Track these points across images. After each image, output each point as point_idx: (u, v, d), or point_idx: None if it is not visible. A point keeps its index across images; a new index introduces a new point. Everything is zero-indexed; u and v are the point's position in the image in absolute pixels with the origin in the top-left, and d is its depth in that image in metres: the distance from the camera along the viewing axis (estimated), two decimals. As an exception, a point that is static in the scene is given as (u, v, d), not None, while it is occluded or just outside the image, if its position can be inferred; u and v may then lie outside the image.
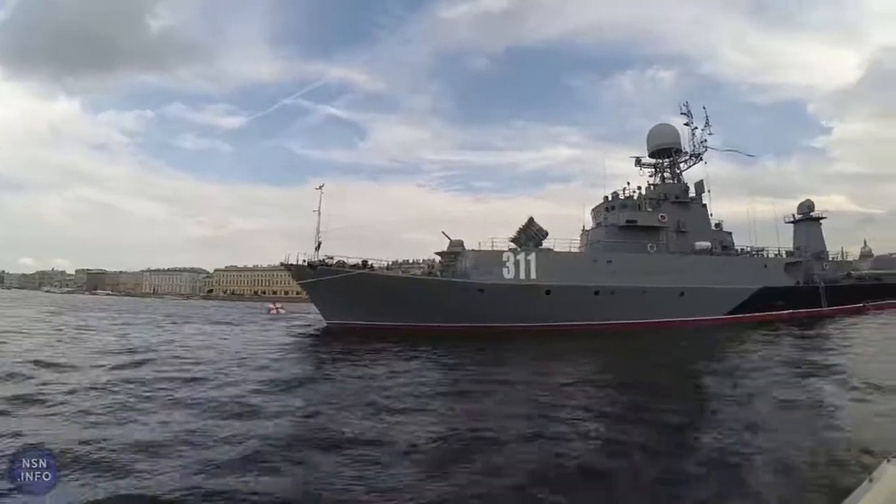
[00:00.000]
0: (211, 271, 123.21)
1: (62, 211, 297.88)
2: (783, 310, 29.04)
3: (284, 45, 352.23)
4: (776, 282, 29.39)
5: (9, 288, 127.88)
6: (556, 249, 28.02)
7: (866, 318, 27.02)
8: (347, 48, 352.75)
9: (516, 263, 26.62)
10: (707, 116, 32.76)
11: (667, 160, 32.29)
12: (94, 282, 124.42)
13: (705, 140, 32.51)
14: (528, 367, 14.84)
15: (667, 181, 32.21)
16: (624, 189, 30.54)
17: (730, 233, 31.32)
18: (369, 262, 27.57)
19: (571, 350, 18.81)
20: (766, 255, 31.16)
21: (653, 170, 32.81)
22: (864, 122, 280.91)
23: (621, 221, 28.79)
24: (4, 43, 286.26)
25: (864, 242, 41.18)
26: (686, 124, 32.99)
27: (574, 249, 29.50)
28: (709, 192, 32.11)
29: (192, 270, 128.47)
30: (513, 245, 27.57)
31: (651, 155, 32.91)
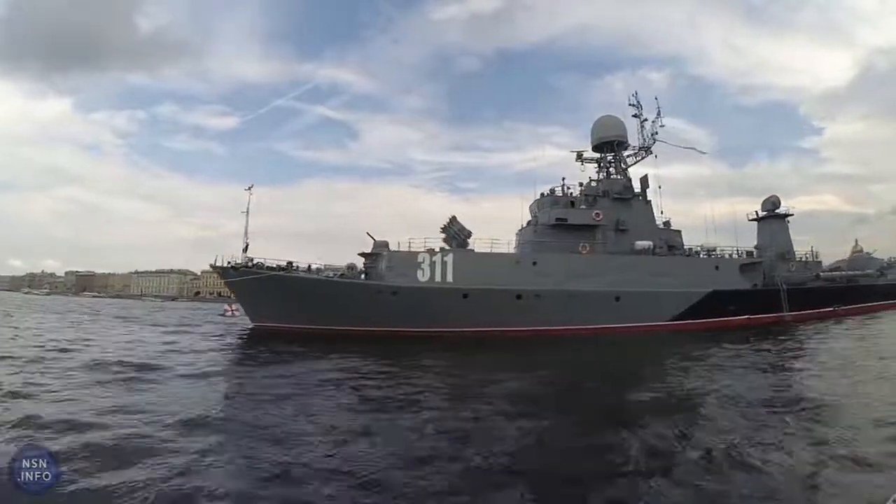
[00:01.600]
0: (199, 273, 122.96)
1: (52, 212, 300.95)
2: (738, 315, 26.03)
3: (275, 45, 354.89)
4: (729, 284, 26.39)
5: None
6: (479, 250, 25.67)
7: (834, 326, 23.73)
8: (339, 48, 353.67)
9: (432, 265, 24.46)
10: (659, 108, 30.02)
11: (610, 154, 29.55)
12: (83, 283, 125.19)
13: (656, 133, 29.74)
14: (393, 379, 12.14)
15: (612, 177, 29.47)
16: (562, 186, 27.91)
17: (678, 231, 28.40)
18: (294, 264, 26.23)
19: (463, 358, 16.39)
20: (718, 256, 28.06)
21: (597, 165, 30.06)
22: (856, 123, 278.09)
23: (551, 220, 26.19)
24: None
25: (856, 242, 37.93)
26: (635, 116, 30.31)
27: (512, 251, 27.14)
28: (659, 188, 29.35)
29: (179, 272, 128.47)
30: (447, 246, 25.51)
31: (595, 149, 30.19)
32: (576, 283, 24.23)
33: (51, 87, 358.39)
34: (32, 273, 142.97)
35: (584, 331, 23.65)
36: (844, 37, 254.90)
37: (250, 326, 26.99)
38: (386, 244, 25.83)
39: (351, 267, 26.70)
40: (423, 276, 24.40)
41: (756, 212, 32.01)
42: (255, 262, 25.85)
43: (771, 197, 31.20)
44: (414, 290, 23.96)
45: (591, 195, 27.14)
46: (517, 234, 29.21)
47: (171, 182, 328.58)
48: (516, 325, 23.58)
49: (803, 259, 30.61)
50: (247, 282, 25.60)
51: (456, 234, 25.99)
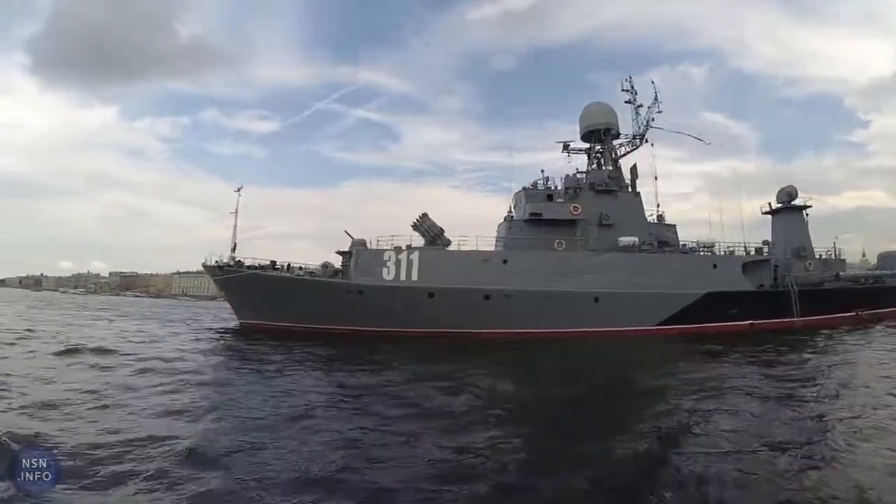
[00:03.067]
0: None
1: (99, 216, 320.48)
2: (740, 320, 23.34)
3: (313, 49, 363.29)
4: (729, 285, 23.69)
5: (33, 288, 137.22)
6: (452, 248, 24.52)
7: (855, 334, 20.38)
8: (375, 51, 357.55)
9: (397, 263, 23.64)
10: (656, 93, 27.55)
11: (598, 145, 27.46)
12: (126, 284, 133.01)
13: (652, 120, 27.36)
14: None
15: (604, 168, 27.40)
16: (546, 179, 26.20)
17: (672, 226, 25.89)
18: (277, 263, 26.40)
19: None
20: (717, 253, 25.30)
21: (587, 156, 28.06)
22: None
23: (525, 215, 24.58)
24: (39, 54, 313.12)
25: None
26: (628, 102, 28.01)
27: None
28: (655, 179, 27.04)
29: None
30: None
31: (584, 139, 28.17)
32: (549, 283, 22.56)
33: (95, 96, 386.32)
34: (79, 274, 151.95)
35: (559, 334, 21.94)
36: (887, 27, 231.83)
37: (235, 324, 27.38)
38: (363, 243, 25.27)
39: (325, 266, 26.42)
40: (388, 274, 23.62)
41: (769, 204, 28.71)
42: (237, 261, 26.31)
43: (786, 187, 27.83)
44: (379, 290, 23.22)
45: (573, 188, 25.27)
46: (497, 230, 27.75)
47: (212, 186, 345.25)
48: (485, 326, 22.27)
49: (822, 257, 27.08)
50: (229, 280, 26.32)
51: (426, 230, 24.98)
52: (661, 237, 24.91)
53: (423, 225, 25.02)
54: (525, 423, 8.17)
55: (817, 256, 26.89)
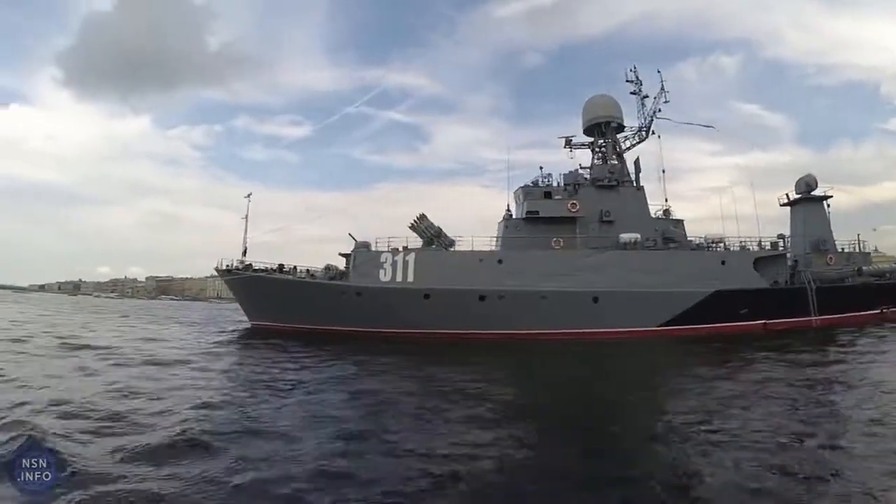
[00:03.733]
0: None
1: (136, 222, 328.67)
2: (751, 320, 22.15)
3: (341, 53, 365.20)
4: (739, 282, 22.49)
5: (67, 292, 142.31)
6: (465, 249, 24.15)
7: (881, 333, 18.87)
8: (403, 53, 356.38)
9: (394, 265, 23.55)
10: (662, 83, 26.37)
11: (602, 139, 26.47)
12: (162, 288, 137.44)
13: (659, 111, 26.17)
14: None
15: (609, 163, 26.41)
16: (548, 175, 25.48)
17: (678, 221, 24.73)
18: (286, 266, 26.88)
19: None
20: (725, 249, 24.01)
21: (590, 151, 27.11)
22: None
23: (522, 213, 23.97)
24: (71, 67, 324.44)
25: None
26: (633, 93, 26.89)
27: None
28: (663, 172, 25.91)
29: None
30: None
31: (587, 132, 27.20)
32: (546, 283, 21.96)
33: (128, 107, 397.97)
34: (116, 279, 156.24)
35: (557, 336, 21.36)
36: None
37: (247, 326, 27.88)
38: (367, 245, 25.24)
39: (328, 268, 26.63)
40: (384, 276, 23.56)
41: (787, 195, 27.03)
42: (245, 264, 26.84)
43: (805, 176, 26.10)
44: (376, 291, 23.21)
45: (572, 184, 24.46)
46: (498, 229, 27.22)
47: (246, 191, 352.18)
48: (480, 328, 21.92)
49: (845, 250, 25.32)
50: (236, 282, 27.06)
51: (423, 231, 24.73)
52: (667, 233, 23.85)
53: (421, 226, 24.78)
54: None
55: (839, 250, 25.18)
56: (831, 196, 25.92)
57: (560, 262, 22.51)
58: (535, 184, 25.31)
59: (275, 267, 26.73)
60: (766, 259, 23.56)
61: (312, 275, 26.01)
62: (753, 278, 22.86)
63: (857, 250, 25.42)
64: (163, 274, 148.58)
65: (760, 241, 24.46)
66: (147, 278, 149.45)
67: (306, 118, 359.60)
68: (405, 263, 23.43)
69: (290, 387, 10.48)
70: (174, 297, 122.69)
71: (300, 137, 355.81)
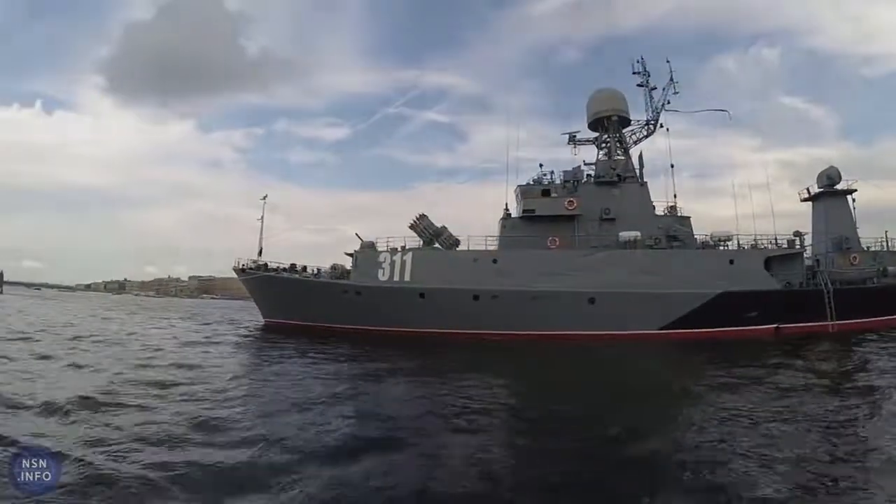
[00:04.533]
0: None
1: (180, 223, 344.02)
2: (761, 324, 20.96)
3: (378, 56, 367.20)
4: (748, 283, 21.28)
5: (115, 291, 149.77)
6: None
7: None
8: (439, 53, 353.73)
9: (392, 264, 23.76)
10: (672, 72, 25.22)
11: (606, 134, 25.54)
12: (204, 287, 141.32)
13: (668, 102, 25.04)
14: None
15: (618, 159, 25.51)
16: (550, 173, 24.91)
17: (685, 218, 23.59)
18: (298, 266, 27.68)
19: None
20: (733, 248, 22.71)
21: (595, 147, 26.24)
22: None
23: (519, 212, 23.51)
24: (113, 76, 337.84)
25: None
26: (640, 85, 25.76)
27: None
28: (672, 167, 24.81)
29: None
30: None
31: (591, 127, 26.31)
32: (540, 283, 21.52)
33: (171, 112, 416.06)
34: (160, 278, 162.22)
35: (552, 337, 20.94)
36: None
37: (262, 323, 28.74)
38: (372, 244, 25.51)
39: (334, 267, 27.12)
40: (383, 275, 23.77)
41: (808, 189, 25.24)
42: (258, 264, 27.79)
43: (827, 169, 24.24)
44: (375, 290, 23.48)
45: (572, 181, 23.76)
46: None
47: (287, 191, 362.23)
48: (474, 326, 21.78)
49: (872, 248, 23.41)
50: (250, 281, 28.20)
51: (422, 231, 24.70)
52: (671, 231, 22.81)
53: (420, 225, 24.77)
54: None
55: (865, 248, 23.33)
56: (855, 190, 24.03)
57: (555, 261, 21.98)
58: (538, 182, 24.78)
59: (286, 266, 27.54)
60: (779, 259, 22.16)
61: (317, 274, 26.53)
62: (764, 279, 21.57)
63: (886, 249, 23.45)
64: (205, 273, 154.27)
65: (776, 239, 23.04)
66: (190, 278, 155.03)
67: (345, 120, 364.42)
68: (402, 263, 23.54)
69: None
70: (214, 296, 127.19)
71: (339, 139, 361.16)
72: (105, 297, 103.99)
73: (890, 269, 21.93)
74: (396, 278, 23.46)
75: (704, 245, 22.91)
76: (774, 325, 21.08)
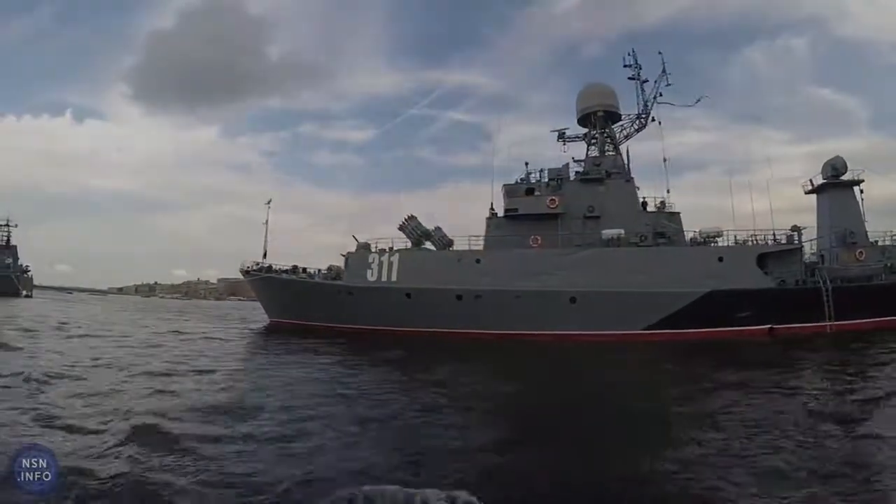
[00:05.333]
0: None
1: (209, 227, 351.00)
2: (754, 324, 20.12)
3: (401, 57, 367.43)
4: (739, 282, 20.43)
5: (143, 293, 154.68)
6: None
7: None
8: (462, 53, 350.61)
9: (380, 265, 24.35)
10: (664, 64, 24.43)
11: (595, 130, 25.02)
12: (231, 289, 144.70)
13: (660, 95, 24.30)
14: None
15: (607, 154, 25.02)
16: (540, 171, 24.72)
17: (674, 215, 22.83)
18: (299, 268, 28.79)
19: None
20: (723, 244, 21.78)
21: (585, 144, 25.78)
22: None
23: (502, 211, 23.49)
24: (139, 83, 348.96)
25: None
26: (632, 79, 25.09)
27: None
28: (665, 160, 24.07)
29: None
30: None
31: (581, 123, 25.84)
32: (521, 282, 21.49)
33: (197, 118, 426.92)
34: (188, 281, 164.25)
35: (533, 336, 20.91)
36: None
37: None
38: (367, 246, 26.18)
39: (330, 268, 28.05)
40: (372, 276, 24.37)
41: (811, 181, 23.77)
42: (259, 266, 29.08)
43: (833, 159, 22.74)
44: (365, 290, 24.12)
45: (556, 179, 23.48)
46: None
47: (313, 194, 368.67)
48: (459, 325, 22.04)
49: (882, 243, 21.83)
50: (254, 282, 29.59)
51: (411, 232, 25.12)
52: (659, 227, 22.16)
53: (409, 226, 25.18)
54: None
55: (873, 243, 21.82)
56: (862, 181, 22.41)
57: (536, 260, 21.86)
58: (525, 180, 24.63)
59: (288, 268, 28.65)
60: (776, 255, 21.13)
61: (311, 275, 27.49)
62: (756, 277, 20.63)
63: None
64: (234, 276, 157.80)
65: (774, 235, 21.95)
66: (218, 280, 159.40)
67: (369, 122, 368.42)
68: (390, 264, 24.05)
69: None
70: (240, 298, 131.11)
71: (365, 140, 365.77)
72: (134, 299, 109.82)
73: (899, 264, 20.44)
74: (384, 279, 23.98)
75: (692, 241, 22.13)
76: (768, 326, 20.19)
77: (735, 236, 22.23)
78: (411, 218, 25.47)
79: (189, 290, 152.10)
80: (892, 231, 22.06)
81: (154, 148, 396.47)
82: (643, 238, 21.81)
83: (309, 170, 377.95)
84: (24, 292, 62.93)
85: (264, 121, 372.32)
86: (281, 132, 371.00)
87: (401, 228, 25.48)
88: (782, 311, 20.09)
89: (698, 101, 24.63)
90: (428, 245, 25.23)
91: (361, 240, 26.15)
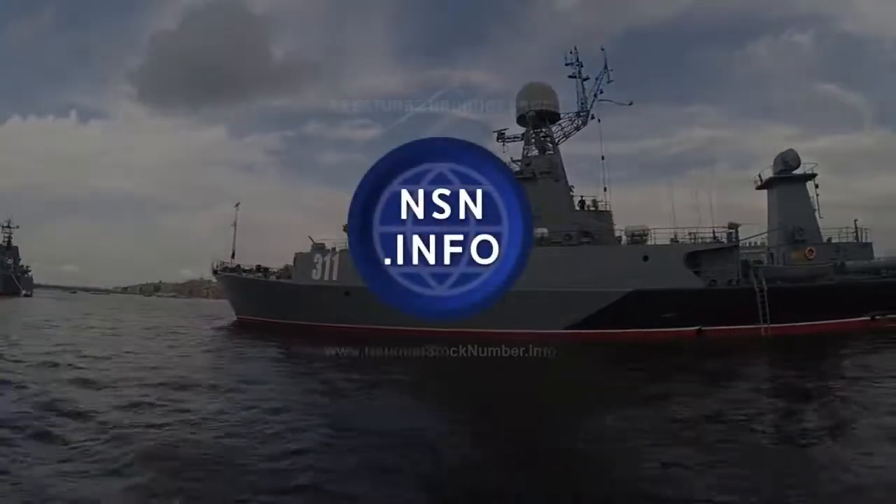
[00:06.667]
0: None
1: (215, 227, 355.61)
2: (681, 326, 18.85)
3: (406, 56, 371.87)
4: (664, 281, 19.20)
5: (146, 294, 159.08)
6: None
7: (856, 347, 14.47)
8: (467, 51, 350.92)
9: (323, 264, 25.29)
10: (606, 60, 23.87)
11: (533, 130, 24.72)
12: None
13: (600, 92, 23.75)
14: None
15: (546, 154, 24.70)
16: None
17: (604, 213, 21.91)
18: (262, 267, 30.59)
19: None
20: (650, 242, 20.55)
21: (526, 143, 25.49)
22: None
23: (430, 212, 23.67)
24: (144, 84, 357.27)
25: None
26: (572, 76, 24.68)
27: None
28: (602, 159, 23.45)
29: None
30: None
31: (520, 122, 25.65)
32: None
33: (202, 118, 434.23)
34: (192, 280, 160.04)
35: (452, 334, 20.62)
36: None
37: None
38: (322, 245, 27.41)
39: (286, 267, 29.49)
40: (316, 275, 25.32)
41: (759, 175, 21.92)
42: (225, 266, 30.82)
43: (784, 152, 20.80)
44: (309, 289, 25.10)
45: (486, 179, 23.37)
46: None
47: (320, 193, 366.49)
48: (392, 324, 22.02)
49: (835, 240, 19.59)
50: (221, 281, 31.92)
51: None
52: (586, 226, 21.38)
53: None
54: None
55: (825, 240, 19.69)
56: (815, 175, 20.37)
57: None
58: None
59: (252, 268, 30.49)
60: (710, 254, 19.67)
61: (263, 273, 29.04)
62: (684, 277, 19.29)
63: (857, 240, 19.52)
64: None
65: (714, 232, 20.46)
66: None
67: (375, 121, 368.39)
68: (331, 263, 24.92)
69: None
70: None
71: (371, 139, 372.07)
72: (133, 298, 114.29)
73: (849, 263, 18.25)
74: (326, 278, 24.84)
75: (618, 240, 21.13)
76: (696, 328, 18.79)
77: (676, 234, 21.04)
78: None
79: (192, 290, 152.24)
80: (847, 227, 19.78)
81: (160, 148, 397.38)
82: (567, 237, 21.14)
83: (315, 168, 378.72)
84: (24, 291, 67.57)
85: (270, 120, 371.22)
86: (287, 131, 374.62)
87: (345, 229, 26.30)
88: (712, 313, 18.65)
89: (630, 104, 23.82)
90: None
91: (317, 240, 27.42)
